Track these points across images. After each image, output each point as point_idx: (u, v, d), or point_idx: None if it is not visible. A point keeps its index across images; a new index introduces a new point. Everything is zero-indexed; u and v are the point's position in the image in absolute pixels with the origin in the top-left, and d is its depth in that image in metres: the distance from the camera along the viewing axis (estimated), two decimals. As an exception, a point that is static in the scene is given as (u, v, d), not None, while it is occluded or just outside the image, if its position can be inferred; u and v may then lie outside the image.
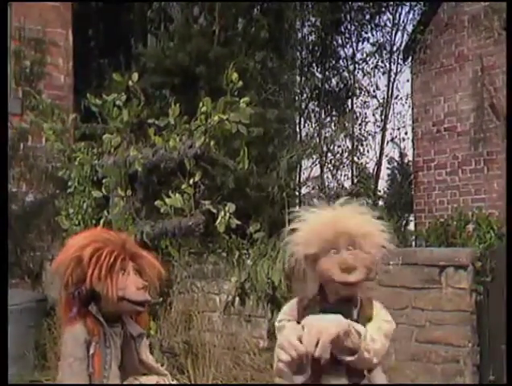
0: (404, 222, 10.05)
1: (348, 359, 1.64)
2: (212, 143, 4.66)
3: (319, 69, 9.15)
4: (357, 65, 9.43)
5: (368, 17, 8.90)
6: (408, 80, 8.63)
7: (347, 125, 8.62)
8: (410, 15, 9.06)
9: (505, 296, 3.34)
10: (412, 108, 8.38)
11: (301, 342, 1.57)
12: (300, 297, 1.88)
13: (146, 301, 1.89)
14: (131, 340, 1.94)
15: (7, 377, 2.61)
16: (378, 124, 9.68)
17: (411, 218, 8.91)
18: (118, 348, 1.90)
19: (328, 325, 1.58)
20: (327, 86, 9.19)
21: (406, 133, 9.85)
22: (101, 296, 1.84)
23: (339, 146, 8.85)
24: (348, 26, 9.03)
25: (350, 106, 9.72)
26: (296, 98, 8.51)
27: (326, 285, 1.80)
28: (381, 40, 9.22)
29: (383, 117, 9.57)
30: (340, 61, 9.36)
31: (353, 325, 1.66)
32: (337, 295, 1.79)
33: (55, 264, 1.90)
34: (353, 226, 1.74)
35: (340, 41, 9.22)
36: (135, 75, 4.99)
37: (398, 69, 9.31)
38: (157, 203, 4.71)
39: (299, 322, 1.75)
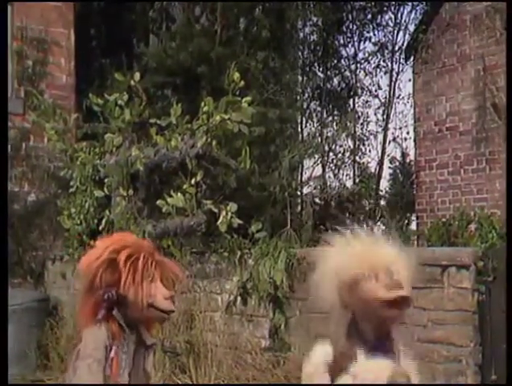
0: (406, 221, 10.06)
1: None
2: (213, 143, 4.70)
3: (320, 69, 9.15)
4: (358, 65, 9.44)
5: (370, 16, 8.90)
6: (410, 80, 8.64)
7: (349, 124, 8.61)
8: (412, 15, 9.06)
9: (506, 295, 3.34)
10: (414, 108, 8.37)
11: None
12: (332, 340, 1.79)
13: (172, 311, 1.93)
14: (142, 349, 1.95)
15: (7, 378, 2.60)
16: (380, 123, 9.68)
17: (413, 218, 8.91)
18: (132, 355, 1.92)
19: (382, 366, 1.60)
20: (328, 86, 9.19)
21: (408, 133, 9.84)
22: (129, 301, 1.85)
23: (341, 146, 8.84)
24: (350, 26, 9.03)
25: (352, 106, 9.72)
26: (298, 98, 8.53)
27: (364, 317, 1.73)
28: (383, 40, 9.22)
29: (385, 116, 9.56)
30: (342, 61, 9.37)
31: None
32: (375, 328, 1.74)
33: (84, 264, 1.89)
34: (387, 254, 1.74)
35: (341, 40, 9.22)
36: (137, 75, 5.03)
37: (400, 69, 9.31)
38: (159, 202, 4.74)
39: (331, 367, 1.72)
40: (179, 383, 4.54)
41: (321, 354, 1.76)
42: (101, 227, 4.97)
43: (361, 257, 1.71)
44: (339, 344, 1.75)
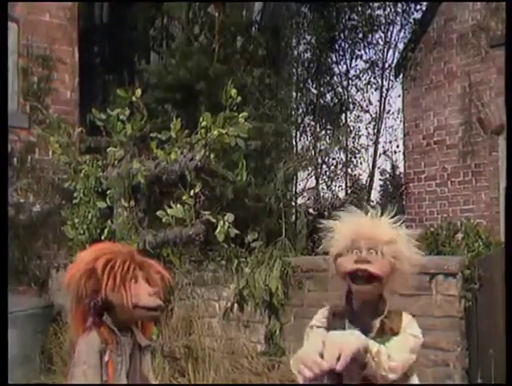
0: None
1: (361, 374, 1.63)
2: (211, 156, 4.72)
3: (314, 85, 9.26)
4: (350, 81, 9.54)
5: (361, 35, 9.01)
6: (399, 96, 8.79)
7: (341, 138, 8.72)
8: (402, 34, 9.18)
9: (506, 298, 3.47)
10: (403, 123, 8.50)
11: (322, 357, 1.54)
12: (331, 306, 1.94)
13: (160, 306, 1.94)
14: (138, 351, 1.97)
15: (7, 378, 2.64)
16: (371, 137, 9.77)
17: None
18: (128, 358, 1.94)
19: (349, 339, 1.57)
20: (322, 101, 9.28)
21: (397, 146, 9.96)
22: (116, 305, 1.86)
23: (333, 159, 8.96)
24: (342, 44, 9.14)
25: (344, 120, 9.80)
26: (292, 113, 8.60)
27: (349, 289, 1.86)
28: (374, 57, 9.32)
29: (376, 130, 9.65)
30: (335, 77, 9.46)
31: (369, 341, 1.64)
32: (359, 300, 1.84)
33: (68, 278, 1.94)
34: (378, 232, 1.82)
35: (334, 58, 9.32)
36: (138, 91, 5.06)
37: (390, 85, 9.42)
38: (159, 213, 4.79)
39: (327, 329, 1.84)
40: (179, 386, 4.63)
41: (318, 316, 1.94)
42: (103, 237, 4.97)
43: (348, 231, 1.84)
44: (333, 307, 1.93)
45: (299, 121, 9.03)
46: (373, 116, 9.72)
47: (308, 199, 7.69)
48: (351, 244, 1.83)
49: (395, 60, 8.96)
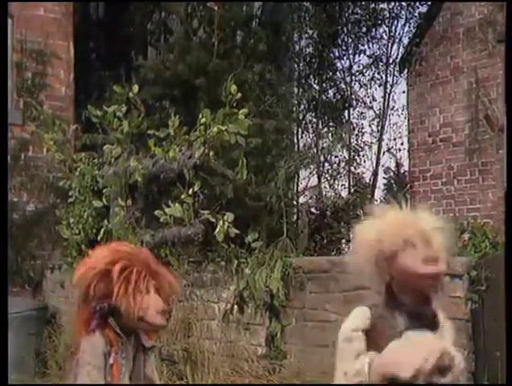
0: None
1: (443, 380, 1.62)
2: (211, 154, 4.73)
3: (316, 81, 9.25)
4: (353, 77, 9.55)
5: (364, 29, 9.01)
6: (404, 92, 8.77)
7: (344, 135, 8.70)
8: (406, 28, 9.19)
9: (505, 299, 3.39)
10: (408, 120, 8.45)
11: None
12: (370, 305, 1.76)
13: (164, 326, 1.93)
14: (141, 352, 1.96)
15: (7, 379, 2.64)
16: (375, 134, 9.78)
17: (408, 227, 8.94)
18: (131, 359, 1.93)
19: (435, 343, 1.60)
20: (324, 97, 9.28)
21: (402, 144, 9.98)
22: (122, 313, 1.85)
23: (336, 156, 8.97)
24: (345, 39, 9.14)
25: (347, 117, 9.82)
26: (294, 109, 8.60)
27: (402, 285, 1.73)
28: (378, 52, 9.34)
29: (379, 127, 9.67)
30: (337, 73, 9.47)
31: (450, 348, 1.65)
32: (413, 295, 1.72)
33: (78, 275, 1.91)
34: (425, 224, 1.75)
35: (337, 53, 9.33)
36: (135, 87, 5.06)
37: (394, 81, 9.43)
38: (157, 212, 4.76)
39: (369, 332, 1.70)
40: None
41: (361, 316, 1.73)
42: (99, 237, 4.97)
43: (399, 226, 1.72)
44: (378, 310, 1.73)
45: (301, 117, 9.04)
46: (377, 112, 9.73)
47: (310, 198, 7.67)
48: (406, 240, 1.70)
49: (400, 55, 8.96)
